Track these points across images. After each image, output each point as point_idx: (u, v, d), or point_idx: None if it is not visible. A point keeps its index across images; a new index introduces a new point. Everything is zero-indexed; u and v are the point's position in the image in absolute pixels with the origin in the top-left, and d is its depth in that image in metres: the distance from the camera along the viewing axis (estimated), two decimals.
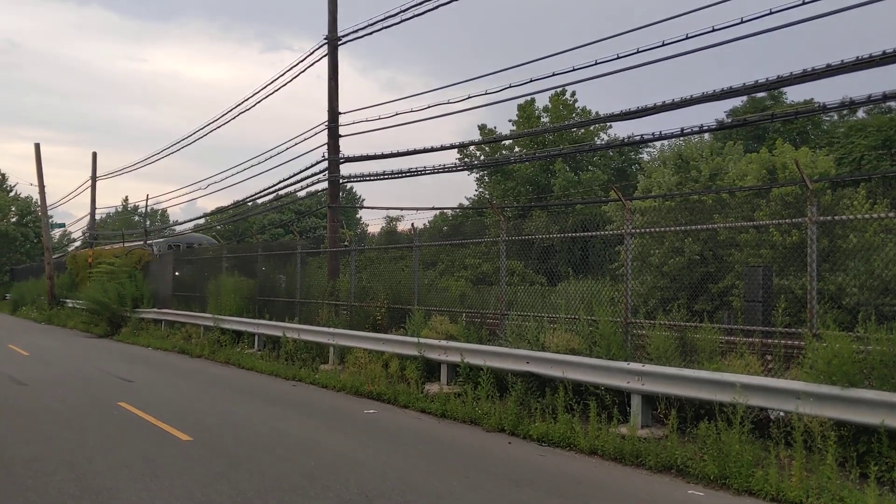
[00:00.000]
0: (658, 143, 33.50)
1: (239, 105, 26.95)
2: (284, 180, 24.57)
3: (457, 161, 48.72)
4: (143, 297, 29.25)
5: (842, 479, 7.49)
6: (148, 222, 57.86)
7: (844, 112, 37.76)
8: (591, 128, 47.00)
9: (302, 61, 23.27)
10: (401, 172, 21.39)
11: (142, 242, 39.90)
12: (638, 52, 14.13)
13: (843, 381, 8.10)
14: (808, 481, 7.46)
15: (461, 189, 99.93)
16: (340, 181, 23.00)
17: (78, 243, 60.86)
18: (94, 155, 45.99)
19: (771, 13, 12.50)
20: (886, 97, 12.42)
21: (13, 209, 70.46)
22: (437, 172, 20.88)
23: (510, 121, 51.49)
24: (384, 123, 38.82)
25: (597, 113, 47.14)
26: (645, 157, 45.13)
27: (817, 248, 9.86)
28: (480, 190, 53.46)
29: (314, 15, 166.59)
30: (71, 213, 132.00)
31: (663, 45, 13.72)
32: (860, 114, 37.78)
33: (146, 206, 48.53)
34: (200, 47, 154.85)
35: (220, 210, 38.01)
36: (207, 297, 23.83)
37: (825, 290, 16.84)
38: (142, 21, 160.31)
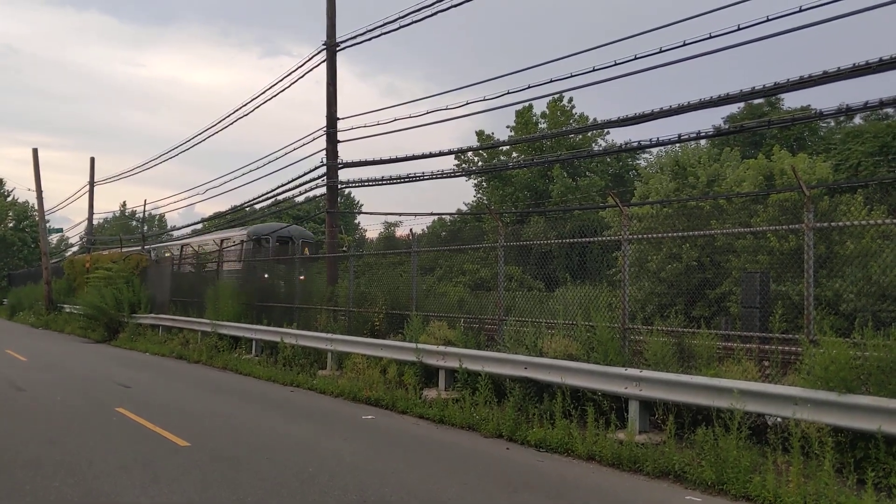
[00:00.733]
0: (655, 150, 33.59)
1: (237, 110, 27.06)
2: (283, 185, 24.62)
3: (455, 166, 48.89)
4: (141, 302, 29.22)
5: (839, 485, 7.50)
6: (146, 227, 57.84)
7: (841, 118, 37.89)
8: (589, 134, 47.13)
9: (301, 66, 23.36)
10: (399, 178, 21.46)
11: (139, 248, 39.87)
12: (636, 58, 14.20)
13: (841, 387, 8.12)
14: (805, 487, 7.48)
15: (460, 194, 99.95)
16: (339, 186, 23.04)
17: (75, 248, 60.87)
18: (92, 160, 46.09)
19: (768, 20, 12.58)
20: (883, 104, 12.48)
21: (10, 214, 70.44)
22: (436, 178, 20.95)
23: (508, 126, 51.60)
24: (383, 129, 38.90)
25: (594, 119, 47.30)
26: (642, 163, 45.25)
27: (814, 254, 9.91)
28: (479, 195, 53.56)
29: (313, 20, 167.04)
30: (69, 218, 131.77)
31: (661, 51, 13.80)
32: (857, 120, 37.93)
33: (144, 210, 48.55)
34: (199, 52, 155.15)
35: (217, 215, 38.05)
36: (205, 303, 23.82)
37: (822, 296, 16.87)
38: (140, 25, 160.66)
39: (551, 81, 16.00)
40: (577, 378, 10.91)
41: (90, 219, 47.39)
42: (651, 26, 14.50)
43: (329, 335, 17.27)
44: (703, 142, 33.20)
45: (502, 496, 7.82)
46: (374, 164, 21.79)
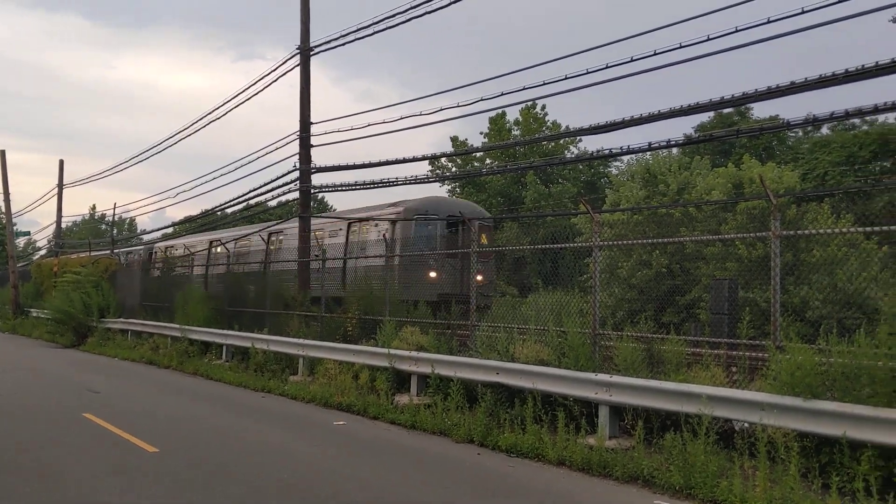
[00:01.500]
0: (626, 158, 33.85)
1: (210, 113, 26.81)
2: (255, 189, 24.47)
3: (429, 172, 48.93)
4: (110, 306, 28.85)
5: (805, 490, 7.62)
6: (115, 231, 57.17)
7: (809, 128, 38.48)
8: (562, 141, 47.43)
9: (274, 70, 23.26)
10: (373, 183, 21.41)
11: (109, 251, 39.38)
12: (607, 67, 14.33)
13: (806, 392, 8.24)
14: (771, 492, 7.59)
15: None
16: (312, 191, 22.95)
17: (43, 252, 59.94)
18: (61, 162, 45.52)
19: (737, 31, 12.76)
20: (849, 114, 12.72)
21: None
22: (410, 184, 20.97)
23: (482, 133, 51.75)
24: (357, 134, 38.76)
25: (567, 126, 47.60)
26: (614, 171, 45.60)
27: (781, 262, 10.06)
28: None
29: (288, 24, 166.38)
30: (37, 221, 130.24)
31: (632, 60, 13.93)
32: (824, 130, 38.52)
33: (114, 214, 47.96)
34: (174, 55, 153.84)
35: (188, 219, 37.72)
36: (175, 308, 23.58)
37: (789, 303, 17.13)
38: (114, 28, 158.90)
39: (524, 89, 16.11)
40: (549, 383, 10.96)
41: (58, 222, 46.73)
42: (622, 35, 14.63)
43: (301, 340, 17.19)
44: (673, 150, 33.50)
45: (475, 501, 7.84)
46: (347, 169, 21.77)
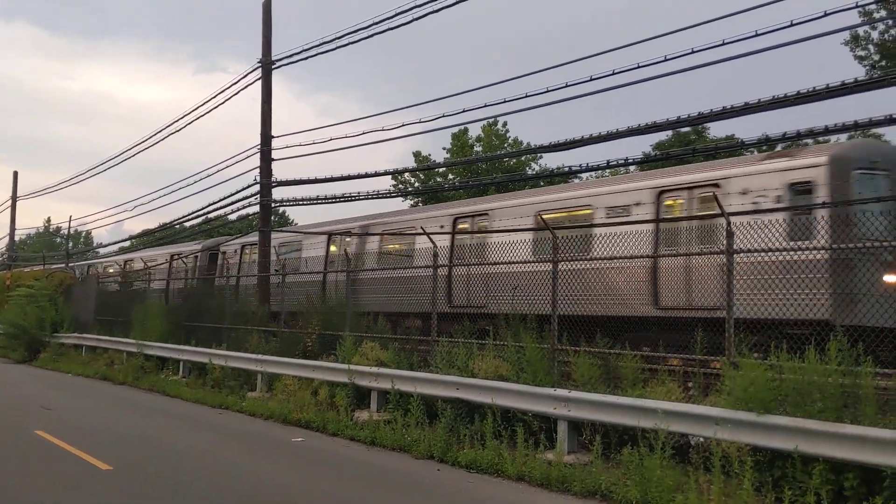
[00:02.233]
0: (586, 175, 34.24)
1: (170, 126, 26.57)
2: (214, 203, 24.23)
3: (392, 187, 48.91)
4: (64, 321, 28.28)
5: (758, 503, 7.75)
6: (70, 244, 56.08)
7: (763, 147, 39.32)
8: (523, 158, 47.78)
9: (236, 84, 23.14)
10: (335, 198, 21.38)
11: (64, 265, 38.61)
12: (567, 85, 14.54)
13: (759, 407, 8.38)
14: None
15: None
16: (272, 205, 22.82)
17: None
18: (15, 174, 44.83)
19: (693, 52, 13.05)
20: (800, 135, 13.10)
21: None
22: (372, 198, 20.92)
23: (444, 148, 51.90)
24: (319, 148, 38.66)
25: (528, 143, 48.02)
26: None
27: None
28: None
29: (250, 37, 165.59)
30: None
31: (591, 79, 14.16)
32: (778, 149, 39.37)
33: (69, 227, 47.08)
34: (133, 67, 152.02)
35: (146, 233, 37.13)
36: (132, 322, 23.18)
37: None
38: (72, 38, 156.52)
39: (485, 106, 16.27)
40: (508, 399, 11.00)
41: (12, 235, 45.81)
42: (583, 54, 14.88)
43: (260, 356, 17.01)
44: (631, 167, 33.99)
45: None
46: (309, 183, 21.69)
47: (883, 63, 29.13)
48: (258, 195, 22.02)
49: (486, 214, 18.98)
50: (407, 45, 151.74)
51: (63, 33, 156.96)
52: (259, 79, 22.25)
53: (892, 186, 13.10)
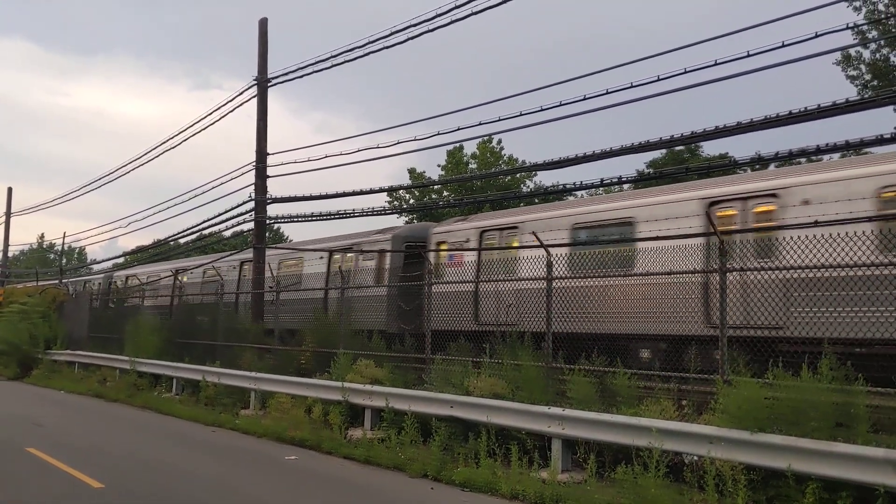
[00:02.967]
0: (580, 193, 34.40)
1: (165, 142, 26.55)
2: (209, 219, 24.22)
3: (387, 203, 48.99)
4: (57, 337, 28.17)
5: None
6: (64, 260, 55.94)
7: (756, 166, 39.55)
8: (518, 175, 47.95)
9: (231, 100, 23.20)
10: (329, 214, 21.42)
11: (57, 281, 38.49)
12: (561, 104, 14.65)
13: (753, 426, 8.40)
14: None
15: None
16: (267, 222, 22.83)
17: None
18: (10, 190, 44.65)
19: (686, 72, 13.17)
20: (792, 154, 13.20)
21: None
22: (367, 215, 21.00)
23: (439, 165, 52.06)
24: (314, 165, 38.72)
25: (523, 161, 48.21)
26: None
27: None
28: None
29: (246, 54, 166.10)
30: None
31: (584, 98, 14.27)
32: (771, 168, 39.59)
33: (63, 243, 46.97)
34: (127, 83, 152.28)
35: (140, 249, 37.10)
36: (125, 339, 23.10)
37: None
38: (66, 55, 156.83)
39: (480, 124, 16.38)
40: (503, 417, 11.00)
41: (5, 251, 45.71)
42: (576, 74, 15.02)
43: (253, 374, 16.96)
44: (625, 186, 34.16)
45: None
46: (304, 200, 21.72)
47: (875, 83, 29.37)
48: (253, 212, 22.03)
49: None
50: (403, 62, 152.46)
51: (58, 50, 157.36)
52: (255, 96, 22.33)
53: None
